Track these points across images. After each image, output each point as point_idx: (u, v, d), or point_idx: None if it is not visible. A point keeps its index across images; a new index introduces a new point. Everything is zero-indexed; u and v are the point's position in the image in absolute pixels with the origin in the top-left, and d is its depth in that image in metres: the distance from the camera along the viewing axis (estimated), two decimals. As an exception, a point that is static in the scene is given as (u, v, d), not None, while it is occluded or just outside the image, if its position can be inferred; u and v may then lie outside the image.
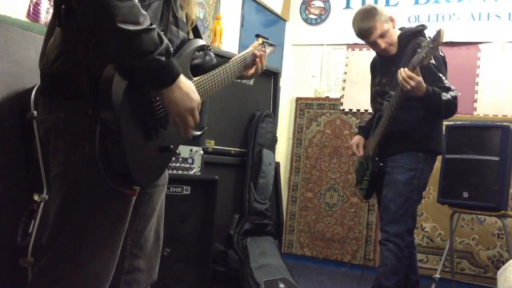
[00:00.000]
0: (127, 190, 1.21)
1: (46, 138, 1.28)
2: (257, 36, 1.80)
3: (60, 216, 1.23)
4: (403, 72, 2.35)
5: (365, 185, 2.86)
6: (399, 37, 2.69)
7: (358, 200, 4.01)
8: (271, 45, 1.84)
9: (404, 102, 2.57)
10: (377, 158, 2.75)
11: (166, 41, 1.17)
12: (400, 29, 2.76)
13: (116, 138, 1.13)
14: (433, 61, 2.52)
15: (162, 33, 1.19)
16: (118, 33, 1.09)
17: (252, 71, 1.69)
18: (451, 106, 2.53)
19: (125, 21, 1.09)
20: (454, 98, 2.53)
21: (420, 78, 2.35)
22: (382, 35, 2.64)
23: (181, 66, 1.32)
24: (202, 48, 1.49)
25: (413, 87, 2.35)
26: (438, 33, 2.22)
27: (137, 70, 1.15)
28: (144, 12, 1.14)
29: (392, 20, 2.70)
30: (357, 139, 2.93)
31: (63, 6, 1.20)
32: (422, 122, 2.64)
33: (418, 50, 2.35)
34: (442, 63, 2.63)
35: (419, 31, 2.70)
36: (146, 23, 1.13)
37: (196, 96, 1.26)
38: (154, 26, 1.15)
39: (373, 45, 2.71)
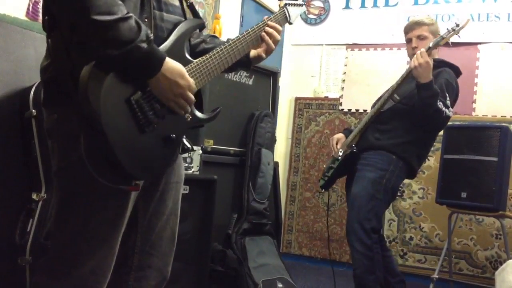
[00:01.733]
0: (128, 187, 1.21)
1: (49, 139, 1.31)
2: None
3: (59, 214, 1.25)
4: (419, 51, 2.48)
5: (329, 173, 2.83)
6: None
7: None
8: (299, 5, 1.65)
9: (401, 107, 2.63)
10: (353, 145, 2.75)
11: (144, 27, 1.16)
12: (436, 59, 2.79)
13: (100, 136, 1.12)
14: (445, 83, 2.61)
15: (141, 21, 1.18)
16: (94, 25, 1.09)
17: (262, 49, 1.54)
18: (440, 118, 2.55)
19: (100, 12, 1.09)
20: (447, 117, 2.57)
21: (429, 61, 2.45)
22: (421, 37, 2.73)
23: (174, 49, 1.31)
24: (201, 26, 1.45)
25: (420, 63, 2.44)
26: (465, 22, 2.43)
27: (120, 62, 1.14)
28: (118, 1, 1.14)
29: (437, 47, 2.65)
30: (339, 135, 2.92)
31: (46, 17, 1.21)
32: (408, 130, 2.66)
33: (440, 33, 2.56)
34: (453, 91, 2.66)
35: (450, 65, 2.77)
36: (121, 13, 1.12)
37: (184, 81, 1.25)
38: (130, 14, 1.14)
39: (408, 42, 2.81)
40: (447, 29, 2.49)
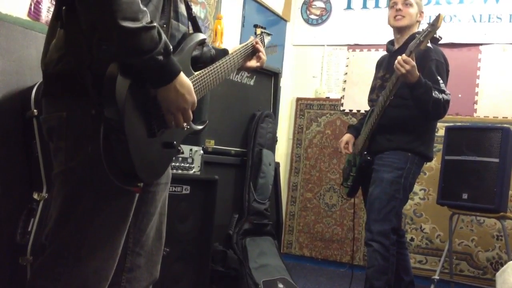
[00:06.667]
0: (132, 187, 1.22)
1: (49, 137, 1.29)
2: (256, 26, 1.82)
3: (62, 214, 1.24)
4: (400, 57, 2.41)
5: (351, 181, 2.86)
6: (413, 35, 2.67)
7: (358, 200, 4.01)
8: (268, 34, 1.86)
9: (399, 101, 2.60)
10: (365, 153, 2.76)
11: (165, 39, 1.17)
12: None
13: (120, 137, 1.13)
14: (434, 65, 2.58)
15: (162, 30, 1.20)
16: (118, 30, 1.09)
17: (254, 62, 1.70)
18: (440, 107, 2.53)
19: (125, 17, 1.09)
20: (446, 101, 2.54)
21: (414, 63, 2.39)
22: (407, 3, 2.69)
23: (182, 61, 1.34)
24: (203, 42, 1.50)
25: (407, 70, 2.39)
26: (437, 18, 2.30)
27: (137, 68, 1.15)
28: (143, 8, 1.15)
29: (421, 14, 2.76)
30: (347, 137, 2.94)
31: (63, 8, 1.20)
32: (414, 123, 2.65)
33: (417, 35, 2.42)
34: (443, 68, 2.64)
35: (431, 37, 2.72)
36: (145, 20, 1.13)
37: (191, 98, 1.27)
38: (154, 24, 1.15)
39: (394, 4, 2.74)
40: (423, 29, 2.41)
